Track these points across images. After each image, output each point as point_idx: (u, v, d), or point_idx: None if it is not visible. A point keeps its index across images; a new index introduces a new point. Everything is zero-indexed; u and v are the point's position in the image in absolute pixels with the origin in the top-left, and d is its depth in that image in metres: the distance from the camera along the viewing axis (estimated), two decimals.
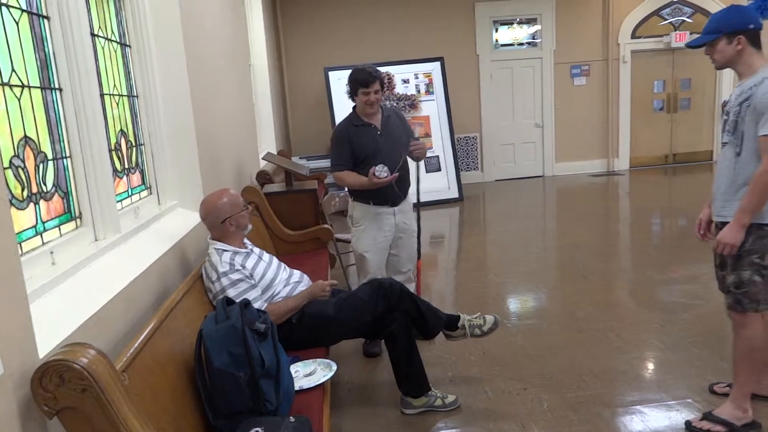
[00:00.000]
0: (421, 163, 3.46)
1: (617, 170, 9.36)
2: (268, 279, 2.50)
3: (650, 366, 3.04)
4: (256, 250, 2.64)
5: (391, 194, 3.21)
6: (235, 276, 2.35)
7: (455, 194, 7.76)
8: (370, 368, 3.18)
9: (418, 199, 3.51)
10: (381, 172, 3.05)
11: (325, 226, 4.12)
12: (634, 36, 9.14)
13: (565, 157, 9.36)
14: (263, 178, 4.90)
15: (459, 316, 2.79)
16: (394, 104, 7.66)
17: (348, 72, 8.14)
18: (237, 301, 2.04)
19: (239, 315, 1.86)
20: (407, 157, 3.26)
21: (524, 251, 5.38)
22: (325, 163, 7.79)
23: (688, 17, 9.17)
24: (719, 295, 3.94)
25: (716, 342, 3.21)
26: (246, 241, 2.63)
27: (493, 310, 3.84)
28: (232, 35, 4.56)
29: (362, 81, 3.10)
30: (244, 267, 2.42)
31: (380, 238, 3.26)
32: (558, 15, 8.95)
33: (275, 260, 2.68)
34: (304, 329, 2.48)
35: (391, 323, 2.55)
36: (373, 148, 3.15)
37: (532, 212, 7.33)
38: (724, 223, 2.33)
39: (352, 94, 3.19)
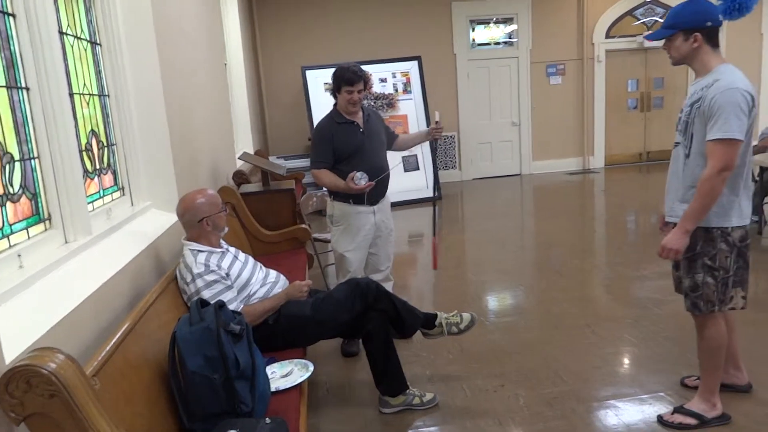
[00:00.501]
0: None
1: (593, 168, 9.49)
2: (244, 279, 2.48)
3: (624, 361, 3.09)
4: (232, 249, 2.62)
5: (371, 193, 3.21)
6: (210, 277, 2.33)
7: (430, 193, 7.78)
8: (348, 368, 3.18)
9: (437, 178, 3.48)
10: (360, 180, 3.07)
11: (303, 225, 4.10)
12: (608, 36, 9.27)
13: (541, 155, 9.46)
14: (240, 178, 4.85)
15: (436, 315, 2.80)
16: (372, 103, 7.65)
17: (325, 71, 8.15)
18: (212, 302, 2.02)
19: (214, 316, 1.85)
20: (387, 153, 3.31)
21: (502, 249, 5.43)
22: (303, 162, 7.77)
23: (660, 17, 9.33)
24: None
25: (688, 336, 3.26)
26: (221, 241, 2.60)
27: (470, 308, 3.86)
28: (206, 33, 4.51)
29: (347, 79, 3.11)
30: (219, 267, 2.40)
31: (360, 238, 3.26)
32: (534, 15, 9.03)
33: (251, 260, 2.66)
34: (281, 330, 2.46)
35: (368, 323, 2.55)
36: (356, 146, 3.17)
37: (510, 210, 7.40)
38: (672, 224, 2.36)
39: (335, 91, 3.19)
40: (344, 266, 3.28)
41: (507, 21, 9.15)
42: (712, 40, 2.24)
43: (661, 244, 2.29)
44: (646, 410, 2.58)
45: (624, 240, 5.61)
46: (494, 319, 3.75)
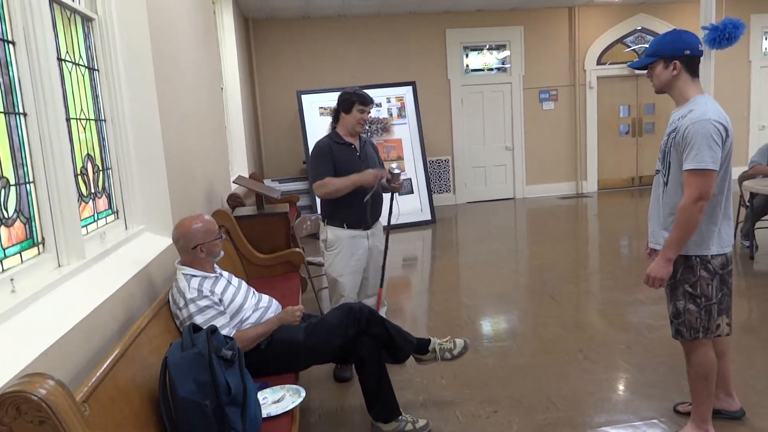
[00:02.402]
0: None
1: (586, 192, 9.57)
2: (237, 304, 2.48)
3: (617, 387, 3.08)
4: (225, 274, 2.62)
5: (366, 217, 3.24)
6: (202, 302, 2.33)
7: (428, 216, 7.82)
8: (341, 393, 3.15)
9: (389, 222, 3.53)
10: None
11: (297, 249, 4.11)
12: (599, 62, 9.44)
13: (535, 179, 9.53)
14: (234, 201, 4.87)
15: (429, 340, 2.80)
16: (366, 128, 7.71)
17: (320, 95, 8.21)
18: (211, 324, 2.02)
19: (206, 342, 1.84)
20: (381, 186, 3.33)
21: (495, 273, 5.44)
22: (298, 185, 7.80)
23: None
24: None
25: (681, 362, 3.25)
26: (215, 265, 2.60)
27: (464, 332, 3.86)
28: (204, 59, 4.57)
29: (362, 99, 3.19)
30: (213, 293, 2.40)
31: (353, 262, 3.26)
32: (526, 41, 9.20)
33: (244, 285, 2.66)
34: (273, 355, 2.46)
35: (361, 348, 2.54)
36: (352, 168, 3.19)
37: (504, 234, 7.43)
38: (655, 251, 2.40)
39: (344, 111, 3.22)
40: (338, 291, 3.28)
41: (500, 47, 9.31)
42: (692, 69, 2.29)
43: (645, 273, 2.33)
44: None
45: (617, 264, 5.63)
46: (487, 344, 3.75)
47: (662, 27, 9.39)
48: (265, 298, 2.67)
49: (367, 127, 7.75)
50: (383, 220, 3.45)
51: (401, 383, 3.12)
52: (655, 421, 2.69)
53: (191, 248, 2.42)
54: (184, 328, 1.95)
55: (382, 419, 2.61)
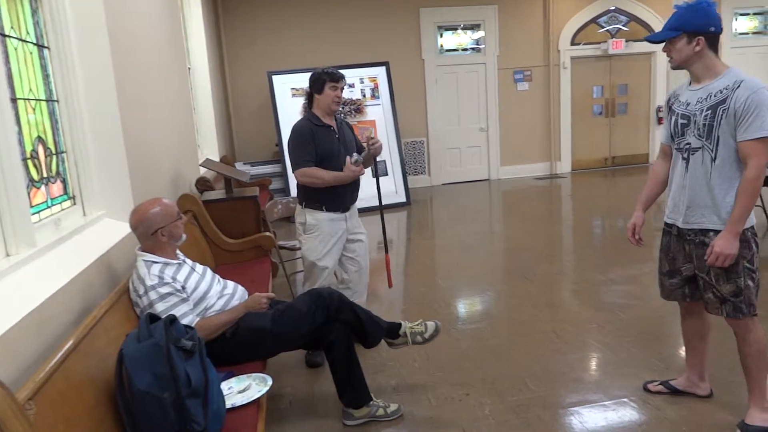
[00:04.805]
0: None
1: (560, 173, 9.61)
2: (201, 291, 2.40)
3: (589, 366, 3.09)
4: (189, 261, 2.53)
5: (346, 199, 3.21)
6: (164, 290, 2.24)
7: (403, 198, 7.77)
8: (313, 379, 3.11)
9: (380, 199, 3.50)
10: (359, 159, 3.06)
11: (267, 233, 4.02)
12: (573, 43, 9.42)
13: (509, 160, 9.53)
14: (203, 185, 4.74)
15: (400, 324, 2.76)
16: (339, 108, 7.59)
17: (291, 76, 8.04)
18: (167, 315, 1.94)
19: (164, 332, 1.76)
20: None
21: (470, 255, 5.43)
22: (270, 168, 7.67)
23: (623, 25, 9.53)
24: (655, 295, 4.06)
25: (652, 341, 3.31)
26: (178, 251, 2.51)
27: (438, 315, 3.84)
28: (166, 37, 4.40)
29: (332, 75, 3.10)
30: (175, 279, 2.31)
31: (331, 245, 3.21)
32: (500, 21, 9.12)
33: (209, 271, 2.58)
34: (240, 343, 2.38)
35: (331, 333, 2.49)
36: (332, 151, 3.14)
37: (479, 216, 7.42)
38: (694, 230, 2.30)
39: (316, 91, 3.15)
40: (314, 275, 3.22)
41: (474, 27, 9.22)
42: (714, 46, 2.23)
43: (714, 251, 2.19)
44: (609, 417, 2.58)
45: (590, 244, 5.67)
46: (461, 326, 3.73)
47: (635, 7, 9.41)
48: (231, 284, 2.59)
49: (340, 108, 7.64)
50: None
51: (374, 367, 3.09)
52: (625, 400, 2.70)
53: (151, 233, 2.32)
54: (141, 318, 1.86)
55: (353, 405, 2.57)
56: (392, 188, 7.78)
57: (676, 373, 2.84)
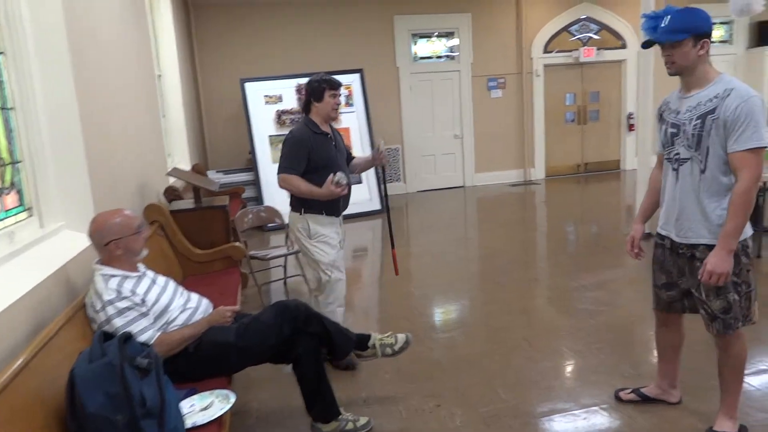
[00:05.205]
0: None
1: (534, 179, 9.68)
2: (162, 305, 2.32)
3: (560, 374, 3.08)
4: (150, 273, 2.45)
5: (341, 204, 3.20)
6: (122, 304, 2.16)
7: (377, 206, 7.73)
8: (282, 393, 3.03)
9: (386, 198, 3.60)
10: (342, 179, 3.03)
11: (237, 243, 3.94)
12: (546, 51, 9.52)
13: (484, 167, 9.58)
14: (172, 194, 4.65)
15: (369, 336, 2.71)
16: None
17: (265, 83, 7.97)
18: (125, 331, 1.87)
19: (117, 351, 1.69)
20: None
21: (445, 262, 5.41)
22: (244, 176, 7.58)
23: (594, 34, 9.67)
24: (626, 301, 4.10)
25: (622, 347, 3.32)
26: (139, 264, 2.43)
27: (412, 324, 3.80)
28: (132, 43, 4.31)
29: (332, 83, 3.11)
30: (134, 293, 2.23)
31: (338, 248, 3.23)
32: (474, 29, 9.18)
33: (171, 284, 2.50)
34: (203, 358, 2.31)
35: (298, 346, 2.43)
36: (329, 158, 3.13)
37: (453, 223, 7.42)
38: (686, 245, 2.23)
39: (317, 97, 3.12)
40: (330, 281, 3.18)
41: (448, 35, 9.26)
42: (708, 51, 2.15)
43: (707, 270, 2.10)
44: (580, 425, 2.56)
45: (563, 250, 5.70)
46: (434, 335, 3.70)
47: (606, 16, 9.56)
48: (195, 297, 2.51)
49: None
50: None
51: (343, 380, 3.04)
52: (596, 408, 2.69)
53: (104, 244, 2.24)
54: (94, 337, 1.79)
55: (321, 419, 2.51)
56: (367, 196, 7.75)
57: (646, 379, 2.85)
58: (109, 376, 1.65)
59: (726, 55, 9.86)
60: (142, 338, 2.15)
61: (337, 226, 3.23)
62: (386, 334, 2.75)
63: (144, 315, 2.21)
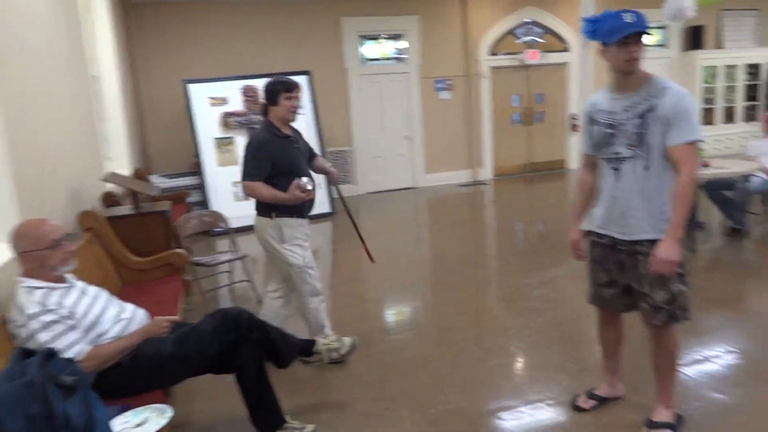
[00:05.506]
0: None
1: (482, 180, 9.82)
2: (93, 316, 2.20)
3: (507, 373, 3.11)
4: (80, 284, 2.32)
5: (309, 206, 3.19)
6: (47, 318, 2.03)
7: (327, 209, 7.66)
8: (226, 403, 2.92)
9: (347, 207, 3.74)
10: (307, 183, 2.98)
11: (178, 250, 3.80)
12: (492, 53, 9.68)
13: (434, 168, 9.65)
14: (109, 200, 4.46)
15: (315, 341, 2.66)
16: (260, 117, 7.41)
17: (210, 85, 7.78)
18: (48, 347, 1.75)
19: (38, 369, 1.58)
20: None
21: (396, 264, 5.40)
22: (188, 180, 7.37)
23: (539, 37, 9.90)
24: (570, 298, 4.18)
25: (567, 344, 3.38)
26: (68, 274, 2.30)
27: (362, 327, 3.76)
28: (63, 43, 4.10)
29: (287, 85, 3.05)
30: (61, 305, 2.10)
31: (308, 247, 3.23)
32: (422, 31, 9.24)
33: (104, 294, 2.38)
34: (138, 372, 2.20)
35: (241, 355, 2.36)
36: (294, 161, 3.10)
37: (405, 224, 7.44)
38: (628, 242, 2.27)
39: (273, 101, 3.08)
40: (309, 280, 3.19)
41: (396, 37, 9.29)
42: None
43: (658, 259, 2.15)
44: (526, 422, 2.59)
45: (512, 250, 5.79)
46: (385, 338, 3.67)
47: (549, 19, 9.79)
48: (129, 307, 2.40)
49: (261, 117, 7.44)
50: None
51: (290, 387, 2.96)
52: (542, 404, 2.72)
53: (18, 254, 2.11)
54: (12, 355, 1.67)
55: (266, 429, 2.44)
56: (317, 198, 7.64)
57: (590, 374, 2.91)
58: (30, 396, 1.54)
59: (661, 58, 10.28)
60: (71, 353, 2.03)
61: (306, 227, 3.23)
62: (332, 339, 2.71)
63: (72, 328, 2.09)
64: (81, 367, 1.77)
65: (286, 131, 3.14)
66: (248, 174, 3.06)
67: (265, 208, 3.13)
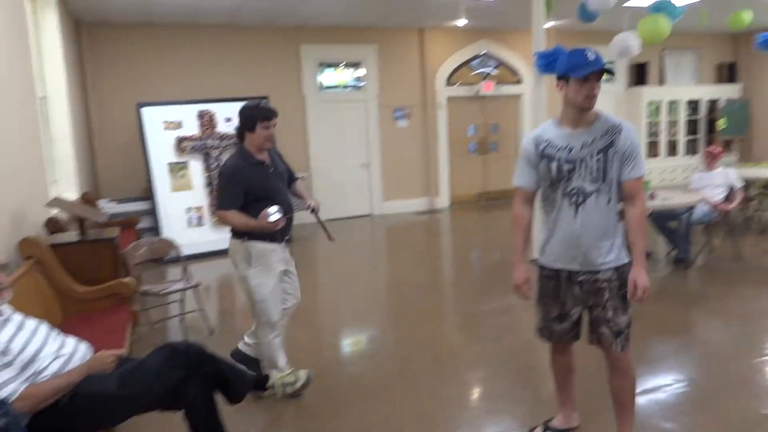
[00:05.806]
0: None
1: (439, 208, 9.92)
2: (31, 352, 2.07)
3: (465, 403, 3.10)
4: (16, 316, 2.18)
5: (283, 231, 3.10)
6: None
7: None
8: None
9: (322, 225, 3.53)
10: (274, 215, 2.90)
11: (126, 279, 3.65)
12: (448, 83, 9.88)
13: (391, 196, 9.69)
14: (54, 226, 4.26)
15: (269, 376, 2.58)
16: (217, 143, 7.31)
17: (164, 108, 7.64)
18: None
19: None
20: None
21: (353, 292, 5.35)
22: (140, 206, 7.15)
23: (493, 69, 10.19)
24: (526, 329, 4.21)
25: (524, 374, 3.39)
26: (3, 307, 2.16)
27: (318, 358, 3.69)
28: (9, 62, 3.95)
29: (264, 114, 2.99)
30: None
31: (276, 274, 3.11)
32: (380, 60, 9.36)
33: (43, 327, 2.24)
34: (79, 411, 2.07)
35: (189, 391, 2.25)
36: (270, 187, 3.05)
37: (362, 252, 7.40)
38: (589, 272, 2.29)
39: (249, 128, 3.01)
40: (268, 310, 3.07)
41: (355, 65, 9.38)
42: None
43: (639, 287, 2.22)
44: None
45: (469, 277, 5.83)
46: (341, 369, 3.60)
47: (504, 52, 10.10)
48: (71, 342, 2.27)
49: (217, 142, 7.33)
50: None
51: (242, 421, 2.86)
52: None
53: None
54: None
55: None
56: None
57: (546, 404, 2.92)
58: None
59: (609, 92, 10.73)
60: (4, 392, 1.90)
61: (279, 253, 3.14)
62: (287, 372, 2.63)
63: (7, 365, 1.96)
64: (13, 407, 1.65)
65: (261, 156, 3.09)
66: (221, 204, 3.03)
67: (238, 232, 3.08)
